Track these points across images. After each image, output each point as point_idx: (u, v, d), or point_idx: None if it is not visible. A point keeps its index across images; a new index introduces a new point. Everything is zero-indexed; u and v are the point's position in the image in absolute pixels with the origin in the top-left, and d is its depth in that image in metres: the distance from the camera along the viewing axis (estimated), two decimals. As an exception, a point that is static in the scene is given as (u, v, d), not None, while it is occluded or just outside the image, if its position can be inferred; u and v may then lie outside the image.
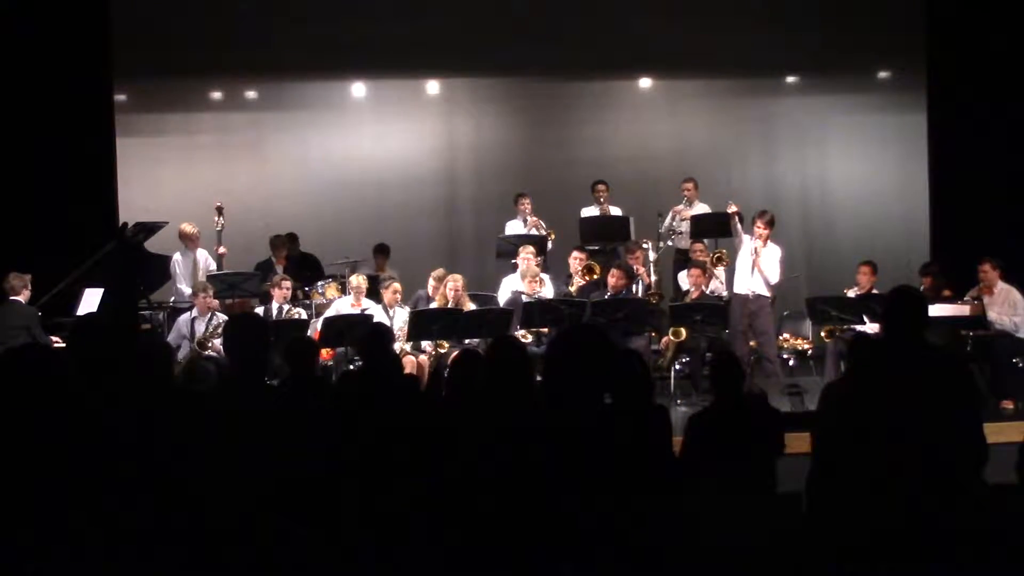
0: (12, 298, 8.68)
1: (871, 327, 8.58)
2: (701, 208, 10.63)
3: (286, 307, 9.38)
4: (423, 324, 8.70)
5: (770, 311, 9.22)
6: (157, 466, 3.15)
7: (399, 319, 9.04)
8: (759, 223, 9.11)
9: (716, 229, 9.97)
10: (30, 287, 8.78)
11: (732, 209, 9.34)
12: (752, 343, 9.19)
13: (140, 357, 3.77)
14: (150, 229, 9.65)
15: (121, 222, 8.97)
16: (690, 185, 10.76)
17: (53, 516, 2.92)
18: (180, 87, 11.96)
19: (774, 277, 9.09)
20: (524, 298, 9.21)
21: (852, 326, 8.83)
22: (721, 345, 9.27)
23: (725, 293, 9.67)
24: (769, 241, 9.15)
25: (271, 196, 11.94)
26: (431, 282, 9.57)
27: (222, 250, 10.03)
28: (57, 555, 2.88)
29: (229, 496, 3.21)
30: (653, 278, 10.12)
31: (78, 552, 2.89)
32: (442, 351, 8.72)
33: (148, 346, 4.35)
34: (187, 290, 9.81)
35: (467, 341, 8.78)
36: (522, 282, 9.46)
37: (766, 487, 4.79)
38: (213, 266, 10.09)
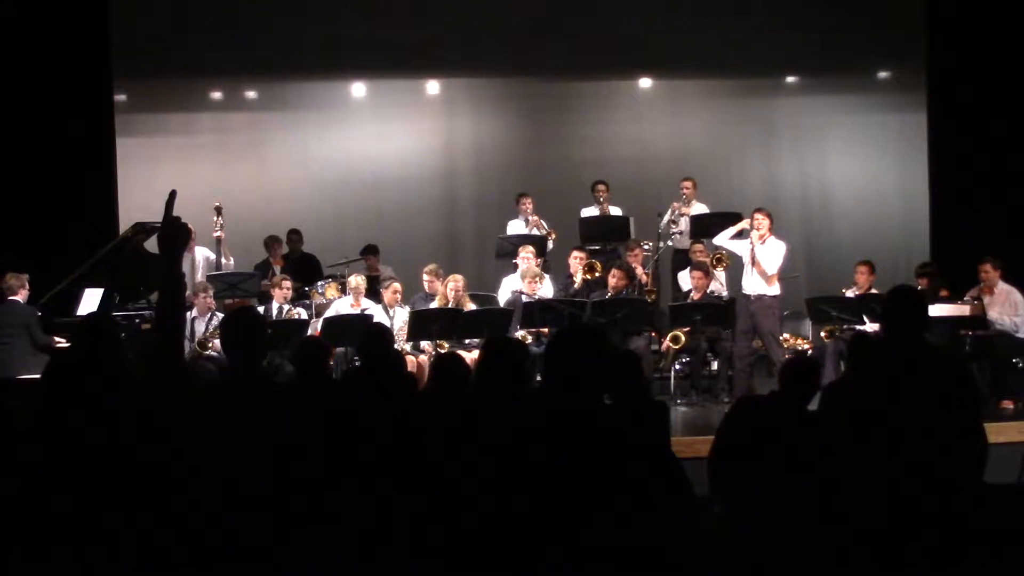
0: (11, 298, 8.66)
1: (871, 327, 8.57)
2: (699, 208, 10.63)
3: (286, 307, 9.38)
4: (423, 324, 8.71)
5: (775, 312, 9.07)
6: (155, 464, 3.15)
7: (399, 319, 9.04)
8: (757, 216, 8.98)
9: (716, 229, 9.92)
10: (27, 286, 8.75)
11: (743, 224, 9.13)
12: (756, 343, 9.16)
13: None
14: (149, 230, 9.64)
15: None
16: (689, 184, 10.76)
17: (52, 515, 2.92)
18: (180, 87, 11.97)
19: (771, 269, 8.87)
20: (524, 298, 9.21)
21: (852, 326, 8.82)
22: (723, 345, 9.26)
23: (725, 294, 9.66)
24: (774, 237, 9.04)
25: (271, 196, 11.94)
26: (425, 277, 9.59)
27: (218, 234, 9.96)
28: (56, 555, 2.88)
29: (228, 494, 3.21)
30: (649, 277, 10.09)
31: (77, 552, 2.89)
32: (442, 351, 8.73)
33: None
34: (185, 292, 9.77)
35: (467, 341, 8.79)
36: (522, 282, 9.45)
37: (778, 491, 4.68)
38: (214, 258, 10.05)
